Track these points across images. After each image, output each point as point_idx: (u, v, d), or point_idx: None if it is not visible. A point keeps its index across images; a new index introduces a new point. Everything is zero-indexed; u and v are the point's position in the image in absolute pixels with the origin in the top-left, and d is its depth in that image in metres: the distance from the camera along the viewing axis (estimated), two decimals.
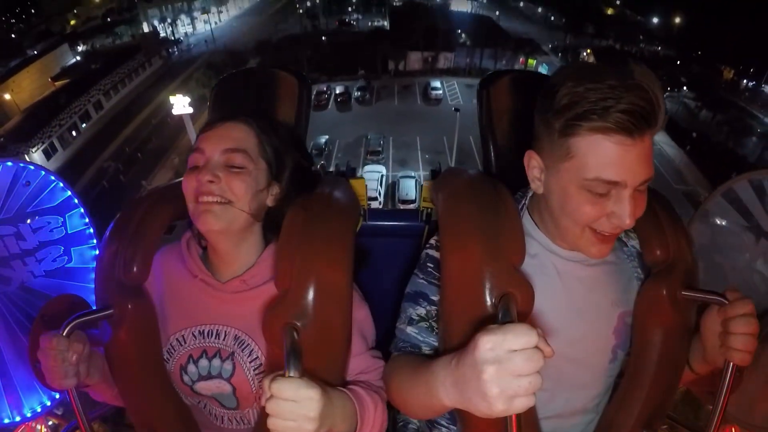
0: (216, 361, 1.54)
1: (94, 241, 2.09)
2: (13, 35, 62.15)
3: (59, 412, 2.10)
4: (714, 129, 38.33)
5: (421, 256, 1.62)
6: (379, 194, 28.48)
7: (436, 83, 45.53)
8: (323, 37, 57.14)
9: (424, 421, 1.74)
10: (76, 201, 2.04)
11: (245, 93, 1.99)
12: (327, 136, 35.27)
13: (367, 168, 31.24)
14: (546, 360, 0.93)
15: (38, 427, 2.09)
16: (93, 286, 1.56)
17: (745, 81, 44.12)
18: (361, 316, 1.58)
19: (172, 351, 1.57)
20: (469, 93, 42.43)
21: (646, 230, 1.53)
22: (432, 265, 1.54)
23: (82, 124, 39.18)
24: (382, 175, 30.08)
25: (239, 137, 1.48)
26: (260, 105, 1.94)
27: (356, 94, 44.01)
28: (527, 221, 1.53)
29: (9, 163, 1.90)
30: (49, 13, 66.94)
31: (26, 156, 32.69)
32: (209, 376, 1.55)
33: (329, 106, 42.76)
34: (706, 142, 35.92)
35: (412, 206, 26.83)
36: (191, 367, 1.56)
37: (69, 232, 2.05)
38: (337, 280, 1.37)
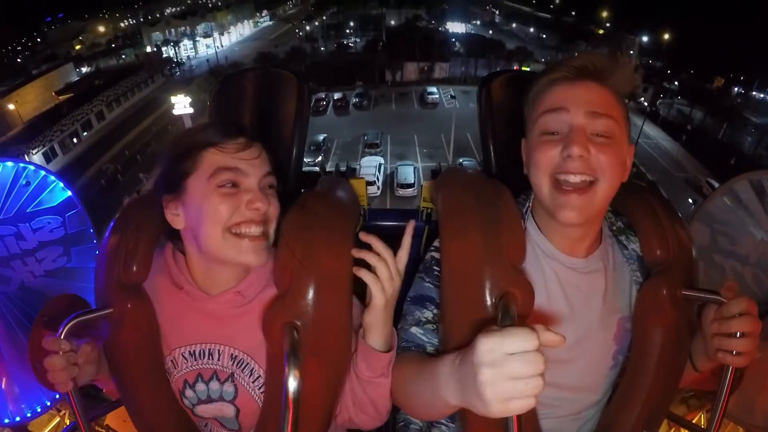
0: (214, 384, 1.50)
1: (94, 241, 2.09)
2: (18, 59, 63.38)
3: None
4: (708, 123, 40.28)
5: (426, 259, 1.61)
6: (377, 179, 29.06)
7: (433, 89, 46.69)
8: (322, 48, 58.19)
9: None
10: (76, 201, 2.04)
11: (245, 93, 1.99)
12: (325, 135, 36.29)
13: (365, 159, 32.00)
14: (547, 362, 0.92)
15: None
16: (93, 285, 1.54)
17: (735, 89, 45.67)
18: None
19: (168, 374, 1.52)
20: (465, 97, 43.60)
21: (646, 230, 1.53)
22: (438, 269, 1.53)
23: (84, 132, 39.57)
24: (380, 164, 30.89)
25: (267, 160, 1.44)
26: (260, 104, 1.94)
27: (354, 100, 44.93)
28: (530, 225, 1.54)
29: (9, 163, 1.90)
30: (55, 40, 68.15)
31: (26, 157, 33.02)
32: (209, 400, 1.52)
33: (327, 112, 43.57)
34: (701, 134, 37.86)
35: (410, 190, 27.57)
36: (189, 392, 1.52)
37: (69, 232, 2.05)
38: (337, 280, 1.36)
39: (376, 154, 34.12)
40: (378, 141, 35.77)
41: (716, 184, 27.70)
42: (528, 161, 1.44)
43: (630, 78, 1.38)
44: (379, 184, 29.36)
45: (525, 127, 1.49)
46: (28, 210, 1.95)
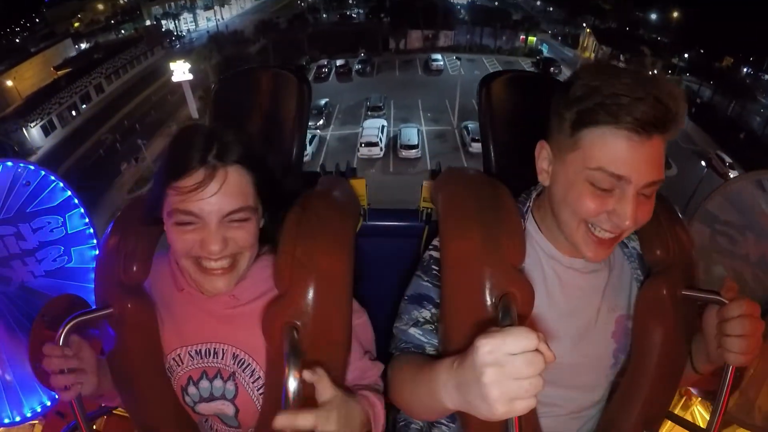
0: (217, 382, 1.50)
1: (94, 241, 2.08)
2: (17, 40, 63.42)
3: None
4: (716, 100, 40.65)
5: (424, 257, 1.60)
6: (380, 141, 29.17)
7: (437, 56, 46.45)
8: (324, 15, 57.83)
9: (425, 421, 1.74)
10: (76, 201, 2.02)
11: (245, 92, 1.98)
12: (327, 99, 36.38)
13: (368, 122, 32.17)
14: (547, 363, 0.92)
15: None
16: (93, 285, 1.54)
17: (744, 69, 45.39)
18: (360, 323, 1.55)
19: (171, 371, 1.52)
20: (470, 65, 43.56)
21: (646, 230, 1.51)
22: (437, 268, 1.52)
23: (83, 105, 39.62)
24: (383, 125, 31.02)
25: (238, 191, 1.31)
26: (260, 104, 1.93)
27: (357, 67, 44.85)
28: (531, 225, 1.52)
29: (9, 163, 1.86)
30: (53, 19, 68.05)
31: (24, 130, 33.08)
32: (211, 398, 1.52)
33: (330, 78, 43.54)
34: (710, 109, 38.34)
35: (413, 152, 27.85)
36: (192, 389, 1.52)
37: (69, 232, 2.03)
38: (337, 279, 1.36)
39: (379, 116, 34.12)
40: (381, 104, 35.68)
41: (726, 157, 28.01)
42: (564, 196, 1.34)
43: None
44: (382, 146, 29.36)
45: (549, 131, 1.37)
46: (28, 210, 1.93)
